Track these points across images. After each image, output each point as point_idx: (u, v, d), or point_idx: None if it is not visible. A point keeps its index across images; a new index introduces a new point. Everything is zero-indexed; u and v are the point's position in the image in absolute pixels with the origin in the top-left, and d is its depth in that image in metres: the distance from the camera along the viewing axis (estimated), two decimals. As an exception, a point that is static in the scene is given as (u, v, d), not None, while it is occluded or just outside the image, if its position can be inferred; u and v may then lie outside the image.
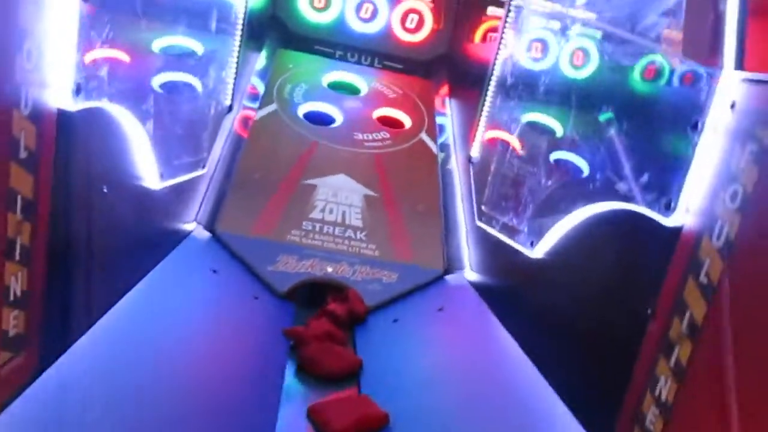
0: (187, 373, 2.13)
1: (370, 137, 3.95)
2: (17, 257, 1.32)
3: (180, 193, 2.81)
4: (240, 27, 3.53)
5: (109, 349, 1.86)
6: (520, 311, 2.56)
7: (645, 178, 2.33)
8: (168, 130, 2.32)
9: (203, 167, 3.08)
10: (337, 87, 4.33)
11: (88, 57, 1.51)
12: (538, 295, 2.46)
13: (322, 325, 2.69)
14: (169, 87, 3.35)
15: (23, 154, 1.26)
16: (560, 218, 2.34)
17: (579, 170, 3.83)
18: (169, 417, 1.82)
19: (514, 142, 3.91)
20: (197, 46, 3.73)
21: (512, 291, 2.71)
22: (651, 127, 3.74)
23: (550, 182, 2.71)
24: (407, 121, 4.20)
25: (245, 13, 3.52)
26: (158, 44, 3.71)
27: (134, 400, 1.77)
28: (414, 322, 2.90)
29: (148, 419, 1.74)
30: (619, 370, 1.86)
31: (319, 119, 4.00)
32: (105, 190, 1.74)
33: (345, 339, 2.72)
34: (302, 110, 3.98)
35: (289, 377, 2.40)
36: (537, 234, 2.45)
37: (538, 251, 2.44)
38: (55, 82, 1.35)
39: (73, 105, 1.43)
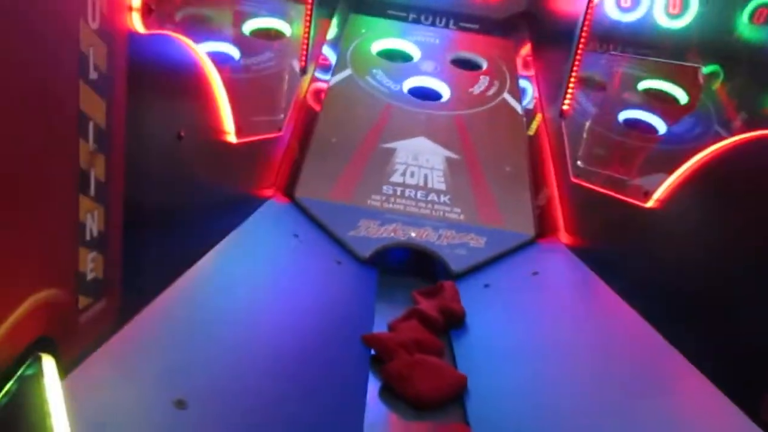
0: (270, 335, 2.00)
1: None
2: (92, 193, 1.21)
3: (257, 154, 2.70)
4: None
5: (190, 306, 1.75)
6: (632, 270, 2.28)
7: None
8: (244, 84, 2.19)
9: (280, 129, 2.96)
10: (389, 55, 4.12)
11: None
12: (652, 250, 2.17)
13: (411, 329, 2.19)
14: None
15: (93, 75, 1.14)
16: (677, 165, 2.06)
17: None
18: (251, 380, 1.69)
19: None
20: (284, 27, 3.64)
21: (620, 249, 2.43)
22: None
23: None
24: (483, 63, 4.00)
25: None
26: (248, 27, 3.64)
27: (216, 363, 1.65)
28: (506, 288, 2.68)
29: (230, 381, 1.61)
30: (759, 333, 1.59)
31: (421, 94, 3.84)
32: (182, 134, 1.62)
33: (441, 348, 2.19)
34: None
35: (373, 399, 1.90)
36: (651, 183, 2.17)
37: (653, 201, 2.15)
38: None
39: (143, 28, 1.31)
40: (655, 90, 3.59)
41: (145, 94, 1.36)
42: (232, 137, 2.13)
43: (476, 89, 3.85)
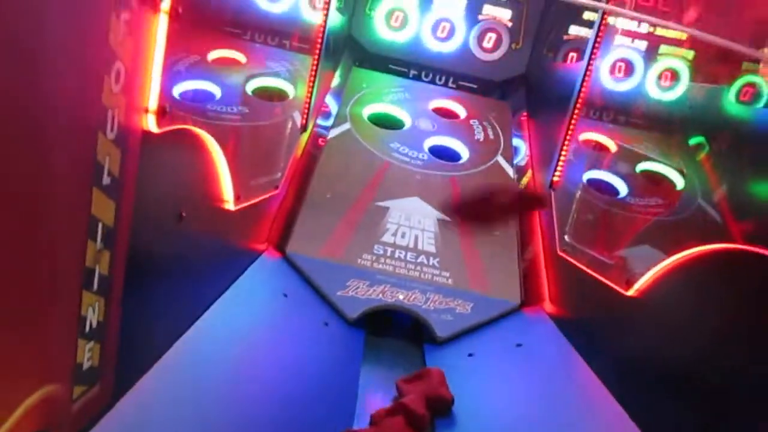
0: (258, 401, 2.04)
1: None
2: (95, 287, 1.26)
3: (253, 214, 2.76)
4: (319, 46, 3.50)
5: (181, 376, 1.79)
6: (608, 351, 2.35)
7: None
8: (244, 142, 2.26)
9: (277, 188, 3.02)
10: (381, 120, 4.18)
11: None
12: (631, 336, 2.25)
13: (395, 428, 2.12)
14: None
15: (106, 180, 1.20)
16: (662, 256, 2.14)
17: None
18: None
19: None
20: (289, 88, 3.73)
21: (600, 329, 2.50)
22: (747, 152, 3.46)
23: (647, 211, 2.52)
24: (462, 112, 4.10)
25: (324, 33, 3.48)
26: (250, 87, 3.74)
27: (207, 428, 1.70)
28: (490, 358, 2.73)
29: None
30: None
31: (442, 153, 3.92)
32: (183, 215, 1.68)
33: None
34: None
35: None
36: (633, 271, 2.25)
37: (635, 290, 2.23)
38: (141, 105, 1.29)
39: (157, 128, 1.37)
40: (652, 172, 3.69)
41: (152, 187, 1.42)
42: (230, 205, 2.19)
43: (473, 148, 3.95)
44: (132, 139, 1.27)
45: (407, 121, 4.08)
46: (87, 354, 1.29)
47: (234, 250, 2.64)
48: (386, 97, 4.23)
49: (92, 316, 1.27)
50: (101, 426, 1.40)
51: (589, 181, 3.57)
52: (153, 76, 1.30)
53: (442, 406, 2.29)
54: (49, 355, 1.16)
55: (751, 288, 1.71)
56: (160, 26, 1.27)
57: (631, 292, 2.26)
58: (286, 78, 3.68)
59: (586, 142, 3.99)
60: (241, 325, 2.32)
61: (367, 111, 4.08)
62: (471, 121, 4.20)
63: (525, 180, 3.82)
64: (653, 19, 3.86)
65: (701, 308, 1.94)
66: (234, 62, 3.62)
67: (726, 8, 3.71)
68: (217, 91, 2.93)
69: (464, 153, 3.92)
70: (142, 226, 1.42)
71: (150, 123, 1.35)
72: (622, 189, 3.52)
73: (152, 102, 1.32)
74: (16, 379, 1.07)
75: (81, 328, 1.25)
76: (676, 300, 2.05)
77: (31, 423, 1.11)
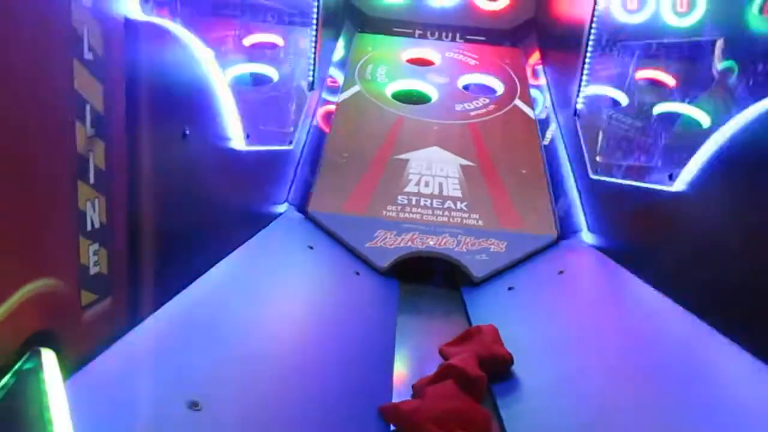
0: (287, 342, 1.92)
1: (462, 107, 3.71)
2: (91, 180, 1.16)
3: (268, 166, 2.65)
4: (315, 16, 3.43)
5: (206, 310, 1.68)
6: (662, 259, 2.17)
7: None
8: (252, 94, 2.16)
9: (290, 143, 2.92)
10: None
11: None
12: (685, 234, 2.07)
13: (445, 396, 1.61)
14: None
15: (88, 55, 1.10)
16: (702, 141, 1.97)
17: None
18: (268, 388, 1.60)
19: (622, 97, 3.54)
20: (280, 41, 3.69)
21: (648, 239, 2.32)
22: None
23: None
24: (499, 87, 3.94)
25: (319, 4, 3.42)
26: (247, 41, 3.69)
27: (231, 367, 1.57)
28: (532, 289, 2.57)
29: (245, 387, 1.53)
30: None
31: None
32: (187, 132, 1.58)
33: (488, 420, 1.59)
34: (389, 90, 3.80)
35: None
36: (676, 163, 2.08)
37: (680, 183, 2.06)
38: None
39: (141, 14, 1.27)
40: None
41: (145, 84, 1.32)
42: (240, 144, 2.09)
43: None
44: (111, 15, 1.16)
45: (433, 94, 3.91)
46: (92, 257, 1.19)
47: (252, 203, 2.53)
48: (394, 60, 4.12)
49: (92, 213, 1.17)
50: (113, 350, 1.29)
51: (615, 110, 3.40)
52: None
53: (499, 367, 1.83)
54: (46, 243, 1.06)
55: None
56: None
57: (676, 187, 2.08)
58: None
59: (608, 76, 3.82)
60: (266, 269, 2.21)
61: (390, 90, 3.92)
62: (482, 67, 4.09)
63: (549, 133, 3.66)
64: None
65: (751, 182, 1.76)
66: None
67: None
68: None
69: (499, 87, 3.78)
70: (140, 128, 1.31)
71: (132, 7, 1.25)
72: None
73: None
74: (11, 264, 0.97)
75: (81, 224, 1.15)
76: (728, 183, 1.87)
77: (32, 317, 1.01)
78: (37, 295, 1.01)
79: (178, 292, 1.66)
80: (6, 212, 0.97)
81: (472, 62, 4.15)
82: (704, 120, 3.53)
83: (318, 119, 3.52)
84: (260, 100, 2.77)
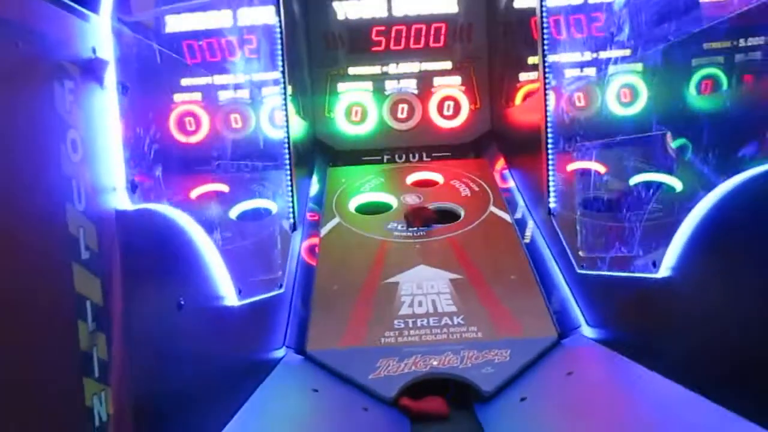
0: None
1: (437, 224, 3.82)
2: (96, 374, 1.16)
3: (262, 316, 2.67)
4: (287, 155, 3.60)
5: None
6: (664, 346, 2.18)
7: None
8: (238, 245, 2.22)
9: (281, 287, 2.95)
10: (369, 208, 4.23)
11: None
12: (679, 318, 2.10)
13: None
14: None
15: (85, 255, 1.15)
16: (677, 225, 2.05)
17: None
18: None
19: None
20: (272, 206, 3.84)
21: (645, 326, 2.34)
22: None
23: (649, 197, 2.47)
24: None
25: (289, 143, 3.60)
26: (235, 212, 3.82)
27: None
28: (545, 395, 2.53)
29: None
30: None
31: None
32: (182, 302, 1.61)
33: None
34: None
35: None
36: (655, 250, 2.15)
37: (664, 269, 2.12)
38: (108, 180, 1.27)
39: (130, 204, 1.35)
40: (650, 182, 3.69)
41: (140, 268, 1.37)
42: (233, 300, 2.11)
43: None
44: (104, 213, 1.23)
45: (393, 202, 4.10)
46: (102, 454, 1.17)
47: (251, 355, 2.51)
48: (365, 186, 4.29)
49: (100, 408, 1.16)
50: None
51: (586, 202, 3.53)
52: (116, 150, 1.30)
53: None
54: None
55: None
56: (111, 100, 1.28)
57: (661, 273, 2.14)
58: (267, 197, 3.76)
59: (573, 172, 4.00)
60: (275, 425, 2.16)
61: (353, 204, 4.11)
62: (451, 182, 4.25)
63: (528, 232, 3.77)
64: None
65: (734, 255, 1.82)
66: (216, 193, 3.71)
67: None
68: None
69: (460, 211, 3.91)
70: (139, 311, 1.34)
71: (122, 200, 1.32)
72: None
73: (119, 177, 1.30)
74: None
75: (90, 421, 1.14)
76: (707, 259, 1.94)
77: None
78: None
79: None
80: (21, 423, 0.97)
81: (441, 180, 4.33)
82: (677, 185, 3.71)
83: (303, 255, 3.59)
84: (247, 249, 2.83)
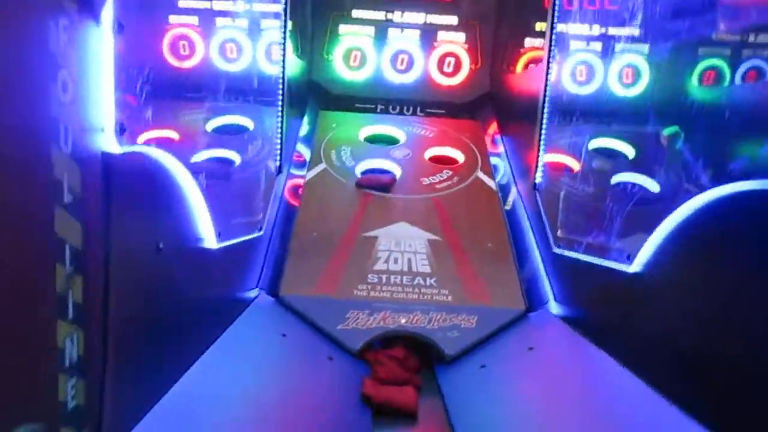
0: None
1: (427, 181, 3.82)
2: (70, 316, 1.18)
3: (239, 257, 2.68)
4: (280, 95, 3.54)
5: (183, 421, 1.68)
6: (624, 334, 2.26)
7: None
8: (221, 188, 2.22)
9: (260, 229, 2.96)
10: (376, 140, 4.27)
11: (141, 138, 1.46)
12: (644, 312, 2.16)
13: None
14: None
15: (68, 198, 1.14)
16: (657, 223, 2.09)
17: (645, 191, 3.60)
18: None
19: (575, 164, 3.72)
20: (248, 123, 3.84)
21: (610, 314, 2.41)
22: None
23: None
24: (460, 157, 4.08)
25: (284, 82, 3.53)
26: (211, 125, 3.83)
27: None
28: (504, 366, 2.62)
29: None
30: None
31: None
32: (161, 246, 1.61)
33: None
34: (358, 170, 3.92)
35: None
36: (632, 245, 2.19)
37: (636, 264, 2.16)
38: (97, 121, 1.24)
39: (117, 147, 1.33)
40: (604, 148, 3.81)
41: (122, 211, 1.36)
42: (212, 243, 2.12)
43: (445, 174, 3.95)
44: (90, 156, 1.21)
45: (401, 137, 4.19)
46: (70, 391, 1.19)
47: (224, 296, 2.54)
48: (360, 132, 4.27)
49: (71, 348, 1.18)
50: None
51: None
52: (107, 91, 1.27)
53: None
54: (29, 388, 1.06)
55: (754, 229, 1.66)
56: (105, 40, 1.25)
57: (633, 268, 2.19)
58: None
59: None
60: (240, 367, 2.21)
61: (363, 134, 4.21)
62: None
63: (510, 198, 3.80)
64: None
65: (707, 263, 1.87)
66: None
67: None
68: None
69: (397, 172, 3.93)
70: (115, 256, 1.35)
71: (109, 142, 1.30)
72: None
73: (109, 118, 1.28)
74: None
75: (60, 362, 1.16)
76: (681, 261, 1.98)
77: (13, 465, 1.01)
78: (18, 443, 1.01)
79: (156, 400, 1.66)
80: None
81: (432, 135, 4.31)
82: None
83: (286, 194, 3.59)
84: (230, 190, 2.83)
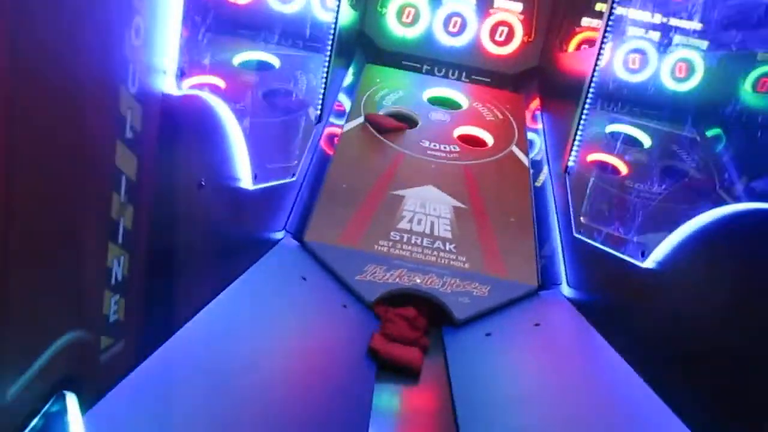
0: (276, 378, 2.07)
1: (453, 149, 3.88)
2: (120, 240, 1.31)
3: (271, 199, 2.80)
4: (330, 43, 3.57)
5: (204, 345, 1.83)
6: (627, 326, 2.34)
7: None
8: (263, 133, 2.31)
9: (293, 175, 3.07)
10: (437, 102, 4.32)
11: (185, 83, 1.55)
12: (649, 307, 2.24)
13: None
14: (266, 93, 3.47)
15: (129, 134, 1.25)
16: (676, 226, 2.14)
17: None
18: (260, 418, 1.77)
19: (618, 163, 3.72)
20: (274, 60, 3.89)
21: (618, 305, 2.49)
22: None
23: (660, 189, 2.54)
24: (489, 140, 4.10)
25: (335, 30, 3.55)
26: (238, 59, 3.89)
27: (227, 399, 1.73)
28: (508, 338, 2.73)
29: (239, 418, 1.68)
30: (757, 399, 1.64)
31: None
32: (203, 183, 1.73)
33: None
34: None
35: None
36: (649, 243, 2.25)
37: (650, 261, 2.23)
38: (161, 64, 1.34)
39: (177, 90, 1.43)
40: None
41: (173, 149, 1.47)
42: (248, 184, 2.24)
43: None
44: (153, 96, 1.32)
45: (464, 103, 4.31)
46: (113, 306, 1.33)
47: (253, 235, 2.68)
48: (389, 97, 4.30)
49: (117, 269, 1.32)
50: (122, 385, 1.44)
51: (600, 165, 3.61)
52: (173, 37, 1.36)
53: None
54: (79, 300, 1.20)
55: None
56: (178, -12, 1.33)
57: (646, 264, 2.25)
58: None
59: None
60: (260, 303, 2.36)
61: (428, 94, 4.33)
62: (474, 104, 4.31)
63: (542, 176, 3.83)
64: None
65: (718, 272, 1.93)
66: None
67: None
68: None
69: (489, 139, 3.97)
70: (164, 188, 1.47)
71: (169, 84, 1.40)
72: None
73: (171, 62, 1.37)
74: (48, 320, 1.12)
75: (108, 279, 1.29)
76: (693, 266, 2.04)
77: (61, 364, 1.15)
78: (67, 346, 1.16)
79: (182, 324, 1.81)
80: (47, 271, 1.12)
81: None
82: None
83: (322, 143, 3.67)
84: (269, 127, 2.91)
